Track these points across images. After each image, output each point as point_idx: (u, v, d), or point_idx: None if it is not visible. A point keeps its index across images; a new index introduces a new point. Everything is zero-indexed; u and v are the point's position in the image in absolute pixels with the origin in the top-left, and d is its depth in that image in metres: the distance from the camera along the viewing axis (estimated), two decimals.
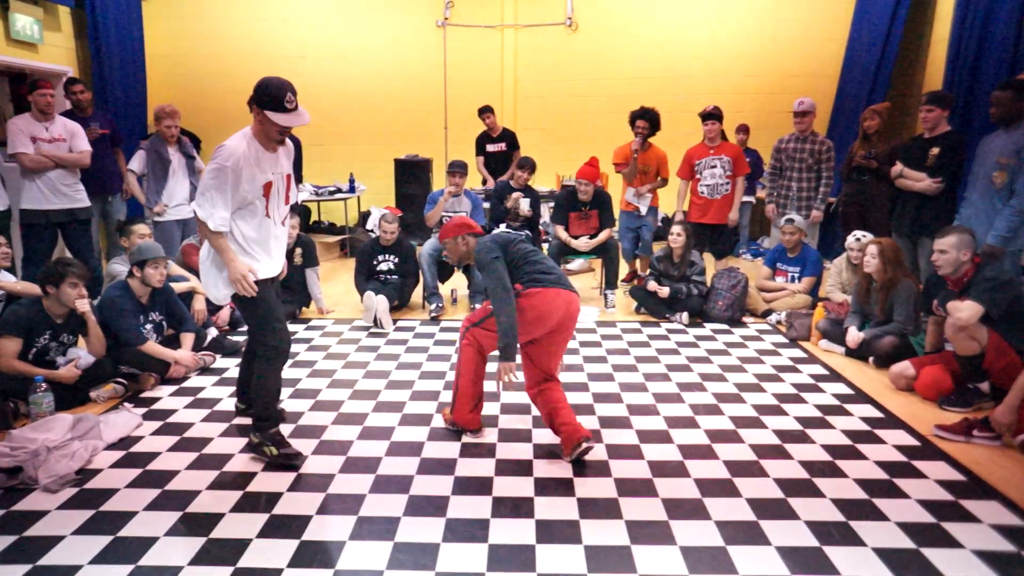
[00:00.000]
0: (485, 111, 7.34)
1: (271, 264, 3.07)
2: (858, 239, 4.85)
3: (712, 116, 5.70)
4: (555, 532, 2.51)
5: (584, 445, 2.94)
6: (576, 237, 5.72)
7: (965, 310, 3.45)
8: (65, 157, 4.87)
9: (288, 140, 3.05)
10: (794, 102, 5.76)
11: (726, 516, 2.61)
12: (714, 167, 5.70)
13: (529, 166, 5.84)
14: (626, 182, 6.11)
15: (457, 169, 5.61)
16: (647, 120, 5.79)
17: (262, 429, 3.01)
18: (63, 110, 5.55)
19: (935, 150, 4.56)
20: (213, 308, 4.89)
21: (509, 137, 7.49)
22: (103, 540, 2.45)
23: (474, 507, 2.68)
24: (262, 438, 3.00)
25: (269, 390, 3.04)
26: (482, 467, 3.00)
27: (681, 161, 5.91)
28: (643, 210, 5.97)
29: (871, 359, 4.31)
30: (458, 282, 6.00)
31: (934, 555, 2.37)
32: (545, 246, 6.26)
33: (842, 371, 4.23)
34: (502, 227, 5.75)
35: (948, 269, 3.63)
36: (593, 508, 2.67)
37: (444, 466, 3.01)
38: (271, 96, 2.78)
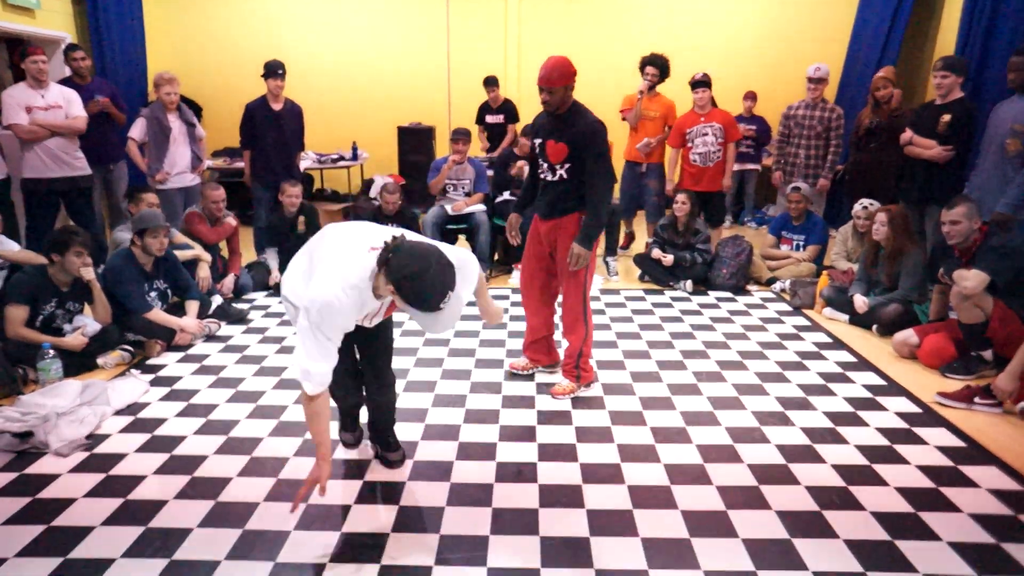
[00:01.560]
0: (489, 83, 7.32)
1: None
2: (865, 207, 4.82)
3: (701, 84, 5.62)
4: (558, 496, 2.54)
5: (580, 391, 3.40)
6: None
7: (971, 279, 3.43)
8: (59, 124, 4.83)
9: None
10: (810, 67, 5.64)
11: (727, 481, 2.64)
12: (706, 135, 5.64)
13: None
14: (631, 130, 6.10)
15: (461, 136, 5.57)
16: (657, 67, 5.78)
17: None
18: (63, 77, 5.50)
19: (947, 117, 4.49)
20: (217, 276, 4.90)
21: (508, 110, 7.54)
22: (114, 503, 2.50)
23: (478, 472, 2.71)
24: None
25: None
26: (486, 433, 3.03)
27: (671, 131, 5.84)
28: (644, 152, 5.93)
29: (874, 327, 4.32)
30: None
31: (931, 519, 2.40)
32: None
33: (845, 339, 4.23)
34: (506, 195, 5.72)
35: (960, 239, 3.60)
36: (596, 474, 2.70)
37: (448, 432, 3.04)
38: (423, 297, 1.97)
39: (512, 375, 3.64)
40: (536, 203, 3.47)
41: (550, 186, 3.32)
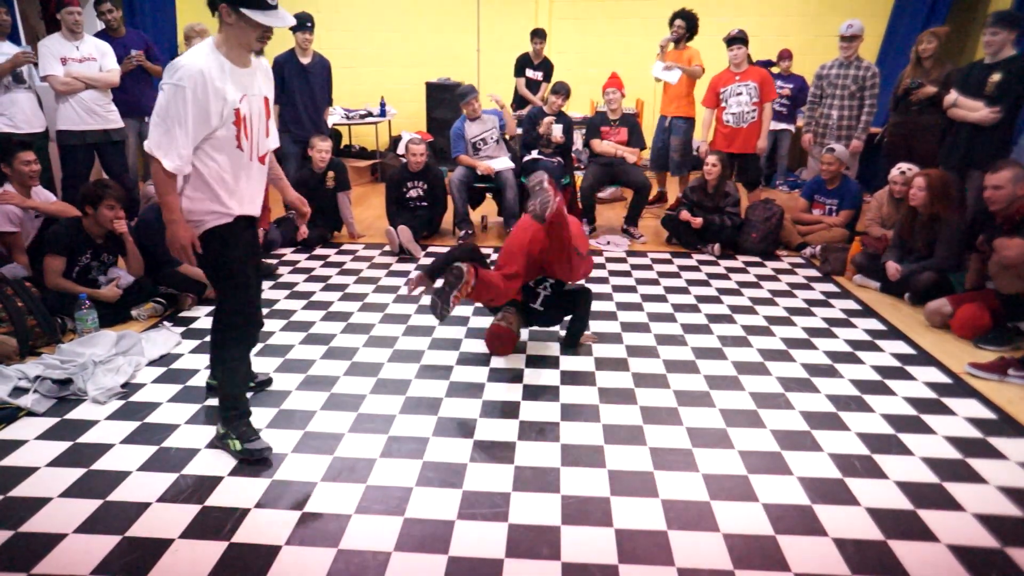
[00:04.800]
0: (537, 35, 7.18)
1: (238, 209, 2.47)
2: (903, 172, 4.67)
3: (737, 40, 5.47)
4: (580, 456, 2.57)
5: None
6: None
7: (1013, 248, 3.33)
8: (94, 77, 4.87)
9: (260, 58, 2.44)
10: (841, 25, 5.44)
11: (749, 446, 2.65)
12: (739, 94, 5.49)
13: (563, 91, 5.69)
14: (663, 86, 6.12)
15: (465, 97, 5.46)
16: (684, 20, 5.81)
17: (228, 420, 2.54)
18: (99, 30, 5.51)
19: (996, 76, 4.30)
20: None
21: (546, 68, 7.38)
22: (149, 450, 2.59)
23: (501, 430, 2.75)
24: (227, 429, 2.53)
25: (236, 372, 2.54)
26: (510, 392, 3.06)
27: (706, 90, 5.71)
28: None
29: (907, 295, 4.23)
30: (489, 208, 5.96)
31: (957, 489, 2.38)
32: (579, 175, 6.16)
33: (876, 307, 4.16)
34: (534, 153, 5.65)
35: (1002, 205, 3.49)
36: (618, 434, 2.72)
37: (472, 390, 3.08)
38: None
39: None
40: None
41: None
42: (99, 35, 5.29)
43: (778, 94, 6.57)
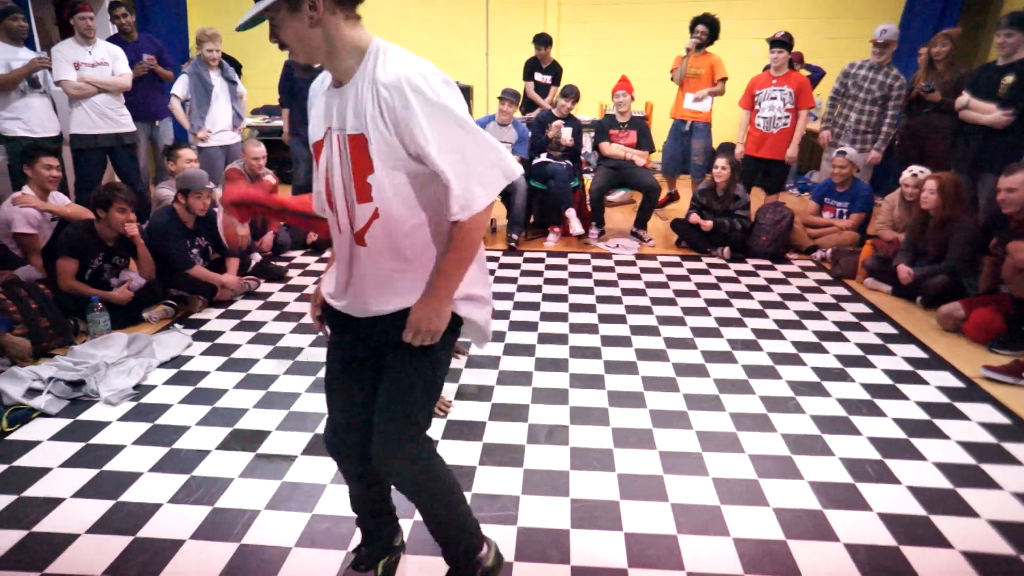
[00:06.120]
0: (540, 40, 7.18)
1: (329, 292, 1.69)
2: (915, 175, 4.64)
3: (780, 43, 5.43)
4: (589, 459, 2.56)
5: None
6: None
7: None
8: (105, 82, 4.91)
9: (383, 88, 1.50)
10: (876, 30, 5.35)
11: (760, 450, 2.63)
12: (774, 98, 5.45)
13: (572, 95, 5.68)
14: (679, 89, 6.13)
15: (508, 97, 5.47)
16: (707, 25, 5.87)
17: None
18: (111, 35, 5.56)
19: (1009, 79, 4.26)
20: (256, 233, 4.98)
21: (555, 71, 7.37)
22: (160, 451, 2.60)
23: (509, 433, 2.74)
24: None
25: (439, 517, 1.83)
26: (519, 395, 3.06)
27: (744, 91, 5.68)
28: (705, 109, 5.95)
29: (919, 299, 4.20)
30: (497, 212, 5.97)
31: (970, 495, 2.36)
32: (588, 177, 6.14)
33: (887, 310, 4.13)
34: (543, 156, 5.65)
35: (1016, 208, 3.46)
36: (627, 438, 2.71)
37: (481, 393, 3.07)
38: None
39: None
40: None
41: None
42: (112, 39, 5.34)
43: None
